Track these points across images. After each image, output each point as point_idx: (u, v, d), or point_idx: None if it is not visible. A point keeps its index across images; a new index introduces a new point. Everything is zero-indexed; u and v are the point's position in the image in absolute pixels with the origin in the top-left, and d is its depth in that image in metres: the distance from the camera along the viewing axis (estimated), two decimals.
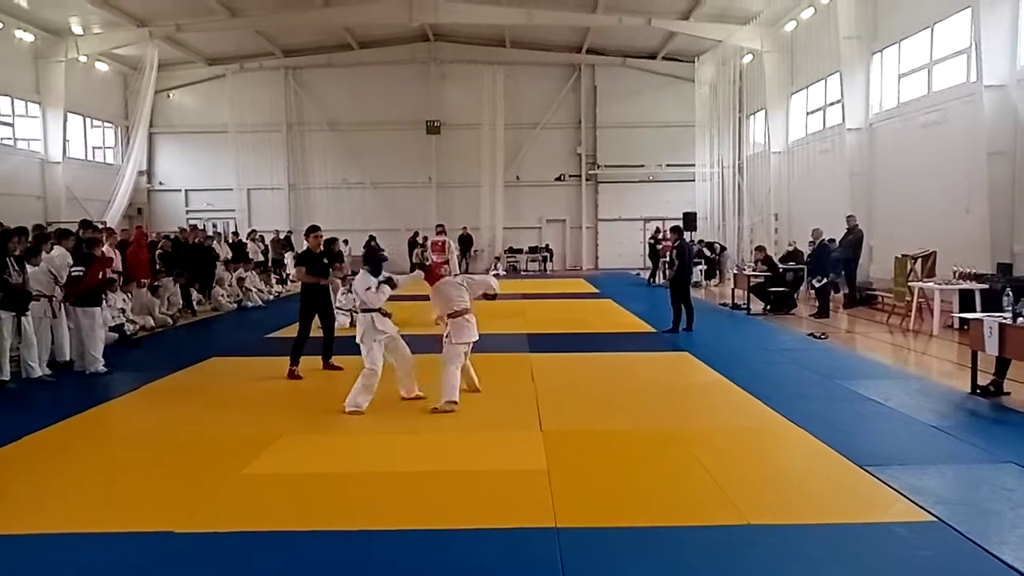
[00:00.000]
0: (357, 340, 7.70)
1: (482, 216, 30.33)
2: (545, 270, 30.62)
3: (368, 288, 7.71)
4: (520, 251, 31.28)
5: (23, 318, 9.23)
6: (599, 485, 5.45)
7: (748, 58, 25.34)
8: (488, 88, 29.92)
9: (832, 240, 16.13)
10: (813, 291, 15.73)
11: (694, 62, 28.19)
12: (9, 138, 23.30)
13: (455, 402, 7.45)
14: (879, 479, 5.35)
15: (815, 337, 12.21)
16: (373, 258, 8.51)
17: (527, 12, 24.74)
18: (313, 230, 10.04)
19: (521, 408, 7.63)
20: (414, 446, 6.43)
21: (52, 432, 7.12)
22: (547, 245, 31.41)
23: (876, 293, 16.01)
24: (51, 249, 10.48)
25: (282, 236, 26.35)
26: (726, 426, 7.08)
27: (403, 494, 5.32)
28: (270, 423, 7.27)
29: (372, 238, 26.18)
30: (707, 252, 23.23)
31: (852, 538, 4.47)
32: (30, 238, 10.45)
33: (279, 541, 4.56)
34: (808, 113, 22.36)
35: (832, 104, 20.41)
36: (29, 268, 9.49)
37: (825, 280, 15.19)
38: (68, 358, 10.06)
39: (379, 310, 7.69)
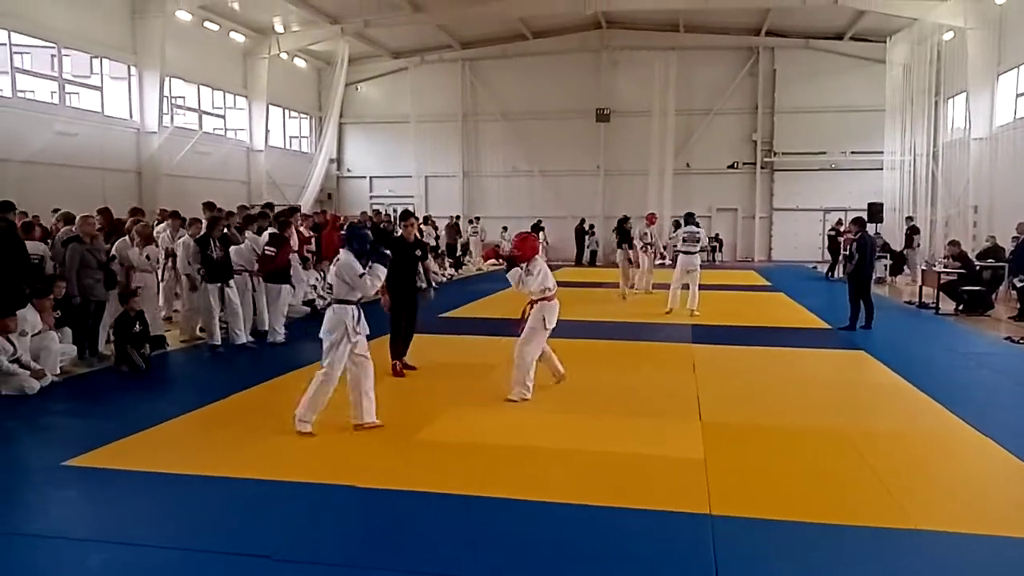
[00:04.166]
0: (322, 335, 6.49)
1: (649, 204, 29.91)
2: (714, 261, 29.78)
3: (361, 274, 6.29)
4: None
5: (227, 290, 10.42)
6: (757, 477, 5.40)
7: (948, 36, 23.23)
8: (659, 74, 29.39)
9: None
10: (1014, 291, 14.32)
11: (885, 42, 26.20)
12: (221, 128, 26.02)
13: (527, 397, 7.36)
14: None
15: (1013, 341, 11.17)
16: (356, 235, 6.70)
17: None
18: (404, 217, 9.16)
19: (681, 397, 7.62)
20: (572, 426, 6.63)
21: (254, 392, 8.07)
22: (717, 235, 30.51)
23: None
24: (258, 230, 11.73)
25: (456, 222, 27.49)
26: (900, 429, 6.72)
27: (561, 469, 5.56)
28: (439, 395, 7.80)
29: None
30: (912, 234, 21.69)
31: None
32: (239, 220, 11.75)
33: (445, 502, 4.93)
34: (1017, 96, 20.21)
35: None
36: (234, 245, 10.71)
37: None
38: (267, 328, 11.18)
39: (358, 302, 6.44)
